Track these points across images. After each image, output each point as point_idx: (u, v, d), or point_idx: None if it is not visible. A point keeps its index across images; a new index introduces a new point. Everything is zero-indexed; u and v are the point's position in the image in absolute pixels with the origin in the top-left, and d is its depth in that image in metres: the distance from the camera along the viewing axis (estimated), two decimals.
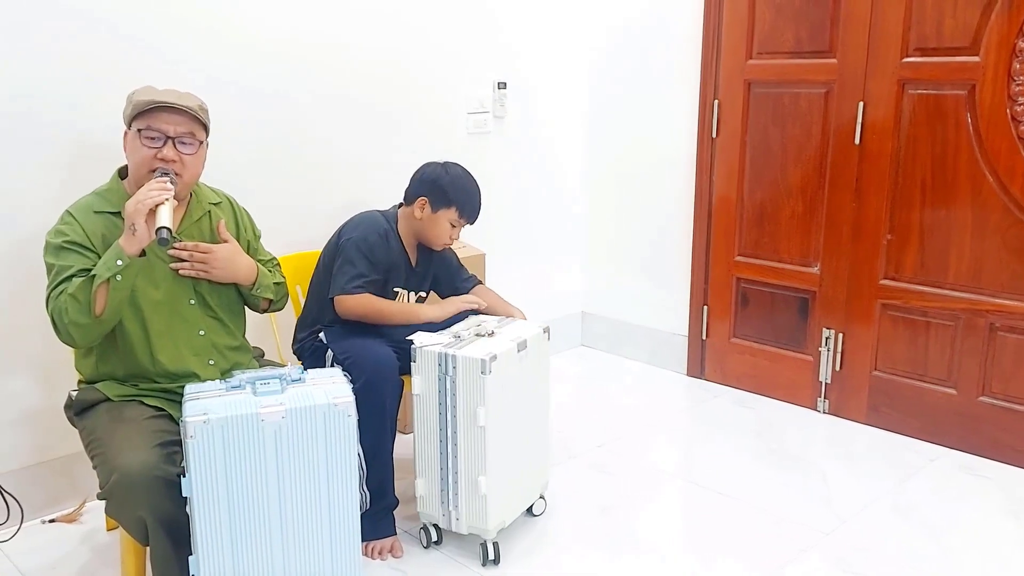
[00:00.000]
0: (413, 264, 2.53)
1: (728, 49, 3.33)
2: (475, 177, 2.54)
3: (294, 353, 2.54)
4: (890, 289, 3.06)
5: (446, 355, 2.22)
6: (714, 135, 3.43)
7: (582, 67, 3.84)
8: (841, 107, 3.08)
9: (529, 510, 2.53)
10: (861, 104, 3.02)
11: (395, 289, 2.49)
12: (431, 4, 3.23)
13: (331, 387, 1.96)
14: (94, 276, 1.90)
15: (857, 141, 3.05)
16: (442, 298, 2.64)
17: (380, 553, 2.34)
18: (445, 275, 2.64)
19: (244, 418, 1.83)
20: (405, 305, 2.48)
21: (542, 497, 2.57)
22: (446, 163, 2.52)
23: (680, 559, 2.36)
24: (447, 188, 2.43)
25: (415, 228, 2.49)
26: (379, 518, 2.33)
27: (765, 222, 3.35)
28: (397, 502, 2.39)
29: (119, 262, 1.89)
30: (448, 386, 2.23)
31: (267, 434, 1.84)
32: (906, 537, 2.45)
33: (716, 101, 3.39)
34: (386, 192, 3.17)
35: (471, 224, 2.52)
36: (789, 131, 3.23)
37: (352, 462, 1.94)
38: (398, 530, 2.40)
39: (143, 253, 1.93)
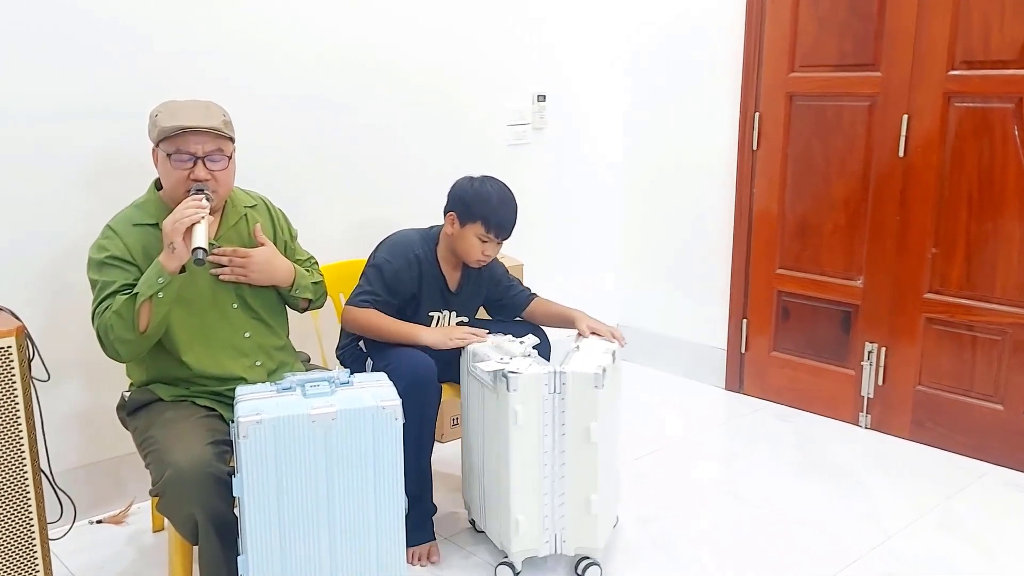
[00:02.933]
0: (452, 287, 2.49)
1: (770, 62, 3.33)
2: (511, 190, 2.48)
3: (337, 358, 2.56)
4: (935, 303, 3.03)
5: (555, 373, 2.15)
6: (755, 147, 3.42)
7: (621, 79, 3.86)
8: (885, 120, 3.06)
9: None
10: (906, 117, 3.00)
11: (430, 313, 2.47)
12: (473, 17, 3.27)
13: (378, 390, 1.98)
14: (137, 294, 1.94)
15: (901, 154, 3.03)
16: (493, 317, 2.64)
17: (420, 559, 2.35)
18: (495, 292, 2.62)
19: (295, 419, 1.85)
20: (407, 326, 2.36)
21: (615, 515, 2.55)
22: (478, 177, 2.48)
23: (721, 571, 2.34)
24: (471, 201, 2.39)
25: (451, 245, 2.46)
26: (418, 524, 2.34)
27: (807, 235, 3.33)
28: (435, 508, 2.40)
29: (160, 279, 1.94)
30: (556, 404, 2.17)
31: (317, 435, 1.87)
32: (954, 553, 2.41)
33: (757, 113, 3.39)
34: (425, 203, 3.20)
35: (502, 239, 2.44)
36: (832, 144, 3.21)
37: (398, 465, 1.95)
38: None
39: (183, 269, 1.97)
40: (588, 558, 2.27)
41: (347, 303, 2.39)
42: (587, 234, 3.90)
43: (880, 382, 3.20)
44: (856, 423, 3.28)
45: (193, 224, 1.92)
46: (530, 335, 2.37)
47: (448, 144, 3.28)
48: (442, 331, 2.37)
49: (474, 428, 2.33)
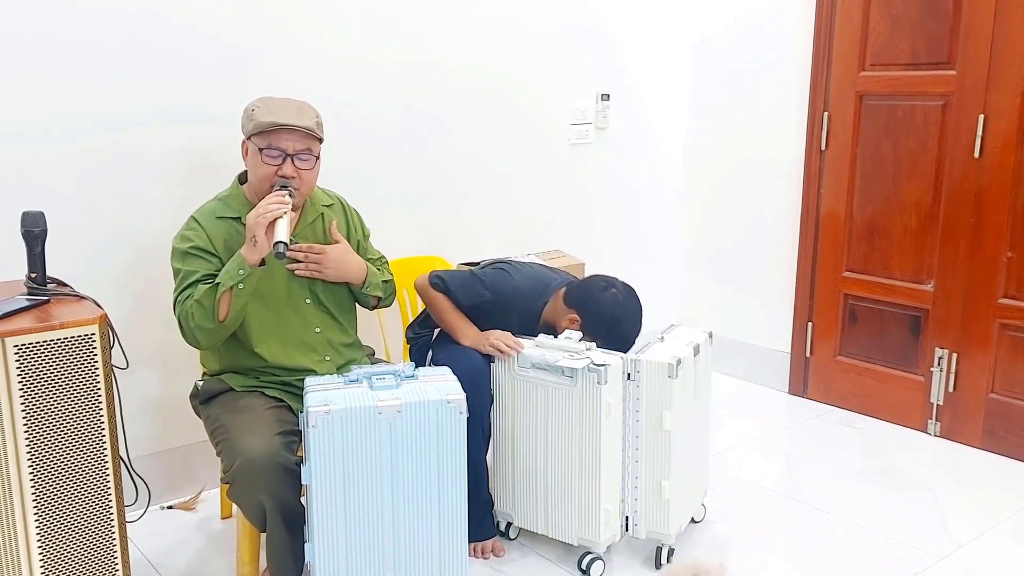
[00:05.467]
0: (535, 333, 2.40)
1: (839, 61, 3.27)
2: (641, 308, 2.35)
3: (406, 339, 2.59)
4: (1010, 308, 2.94)
5: (631, 360, 2.20)
6: (823, 147, 3.36)
7: (685, 77, 3.83)
8: (960, 120, 2.98)
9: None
10: (982, 117, 2.92)
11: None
12: (537, 17, 3.28)
13: (443, 384, 2.01)
14: (218, 284, 2.00)
15: (976, 154, 2.94)
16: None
17: (483, 553, 2.36)
18: None
19: (362, 410, 1.88)
20: (458, 320, 2.37)
21: (702, 504, 2.57)
22: (618, 292, 2.32)
23: None
24: (602, 324, 2.29)
25: (556, 322, 2.39)
26: (479, 519, 2.35)
27: (876, 237, 3.26)
28: (492, 501, 2.41)
29: (241, 271, 2.00)
30: (631, 392, 2.22)
31: (383, 426, 1.90)
32: None
33: (826, 113, 3.33)
34: (487, 200, 3.24)
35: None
36: (903, 144, 3.14)
37: (462, 458, 1.97)
38: None
39: (263, 262, 2.02)
40: (662, 544, 2.30)
41: (432, 275, 2.41)
42: (648, 234, 3.88)
43: (950, 389, 3.11)
44: (924, 430, 3.20)
45: (275, 219, 1.98)
46: (567, 329, 2.34)
47: (511, 143, 3.30)
48: (480, 335, 2.35)
49: (525, 430, 2.31)
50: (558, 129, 3.45)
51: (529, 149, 3.36)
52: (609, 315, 2.30)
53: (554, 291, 2.42)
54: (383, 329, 2.74)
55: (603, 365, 2.12)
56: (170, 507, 2.62)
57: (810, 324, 3.51)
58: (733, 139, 3.71)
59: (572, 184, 3.54)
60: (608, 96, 3.56)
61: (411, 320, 2.66)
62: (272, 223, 1.98)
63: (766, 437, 3.24)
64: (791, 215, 3.51)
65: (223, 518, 2.56)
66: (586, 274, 3.27)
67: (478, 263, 3.14)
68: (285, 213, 1.99)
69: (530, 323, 2.41)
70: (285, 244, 1.96)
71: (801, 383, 3.57)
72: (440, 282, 2.40)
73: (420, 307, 2.88)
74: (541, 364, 2.20)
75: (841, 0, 3.23)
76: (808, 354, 3.54)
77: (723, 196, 3.78)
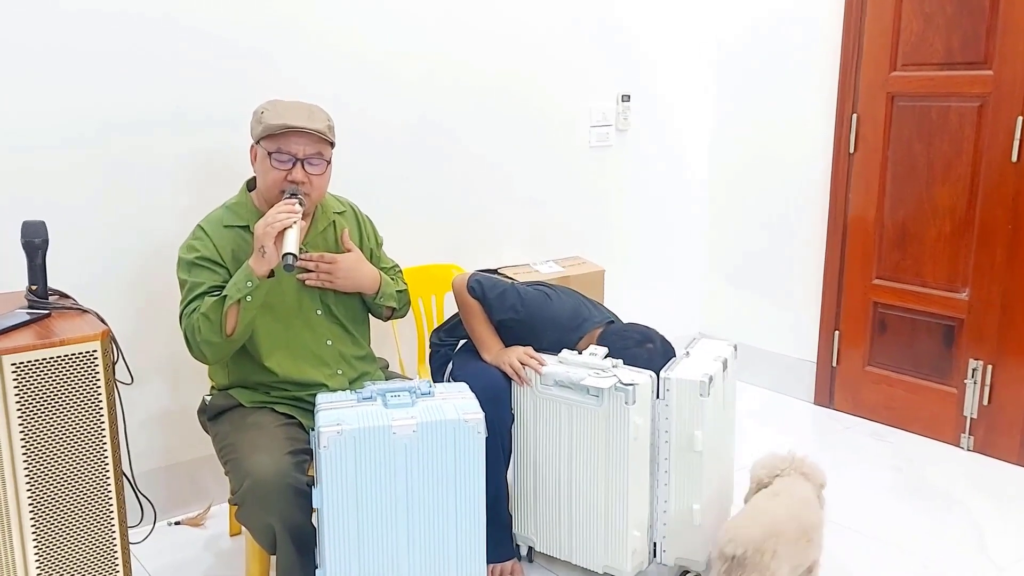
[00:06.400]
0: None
1: (869, 61, 3.16)
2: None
3: (429, 343, 2.49)
4: None
5: (661, 378, 2.09)
6: (851, 150, 3.25)
7: (708, 77, 3.72)
8: (997, 121, 2.86)
9: None
10: (1021, 119, 2.80)
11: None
12: (554, 15, 3.18)
13: (461, 402, 1.92)
14: (225, 297, 1.91)
15: (1015, 158, 2.83)
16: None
17: None
18: None
19: (376, 430, 1.80)
20: (486, 333, 2.27)
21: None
22: (650, 343, 2.22)
23: None
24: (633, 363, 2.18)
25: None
26: (497, 540, 2.25)
27: (907, 243, 3.14)
28: (511, 519, 2.32)
29: (249, 283, 1.91)
30: (660, 411, 2.11)
31: (398, 447, 1.81)
32: None
33: (855, 115, 3.22)
34: (505, 203, 3.15)
35: None
36: (937, 147, 3.02)
37: (480, 480, 1.88)
38: None
39: (272, 274, 1.93)
40: (689, 571, 2.19)
41: (472, 278, 2.28)
42: (670, 239, 3.77)
43: (985, 402, 3.00)
44: (957, 444, 3.09)
45: (285, 229, 1.89)
46: (591, 345, 2.23)
47: (528, 146, 3.20)
48: (502, 351, 2.25)
49: (547, 451, 2.21)
50: (577, 131, 3.35)
51: (547, 152, 3.26)
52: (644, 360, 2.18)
53: (590, 329, 2.30)
54: (397, 340, 2.65)
55: (631, 384, 2.02)
56: (178, 523, 2.54)
57: (837, 332, 3.39)
58: (757, 141, 3.60)
59: (592, 188, 3.44)
60: (629, 97, 3.46)
61: (438, 325, 2.54)
62: (281, 233, 1.89)
63: (793, 450, 3.12)
64: (817, 220, 3.40)
65: (232, 535, 2.48)
66: (605, 283, 3.19)
67: (495, 270, 3.05)
68: (295, 223, 1.90)
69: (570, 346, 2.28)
70: (295, 256, 1.87)
71: (827, 393, 3.46)
72: (478, 287, 2.28)
73: (445, 313, 2.80)
74: (565, 382, 2.10)
75: None
76: (835, 363, 3.42)
77: (747, 200, 3.67)
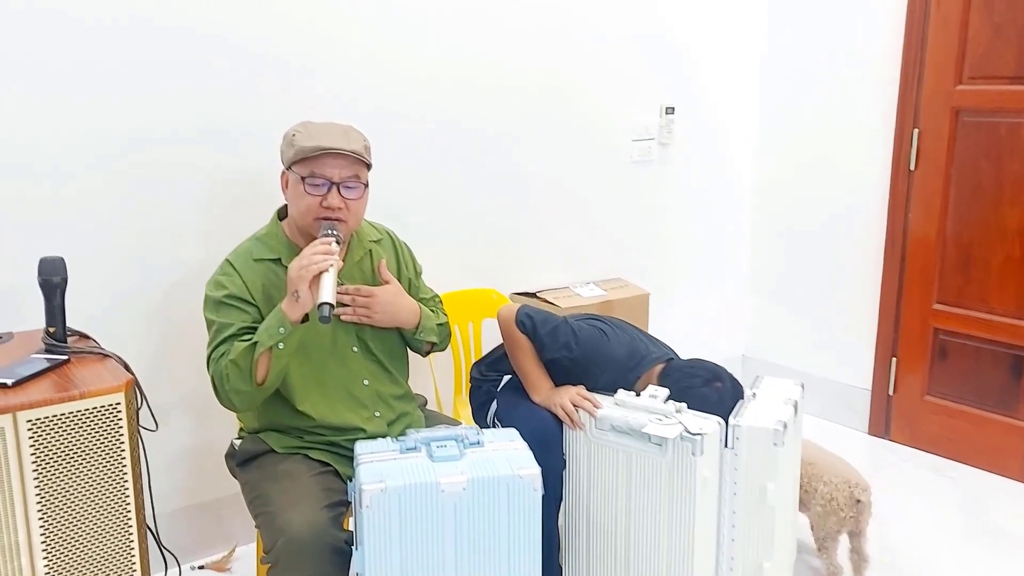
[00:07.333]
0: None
1: (932, 74, 2.97)
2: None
3: (470, 378, 2.32)
4: None
5: (730, 426, 1.91)
6: (912, 168, 3.07)
7: (755, 89, 3.55)
8: None
9: None
10: None
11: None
12: (596, 26, 3.01)
13: (513, 454, 1.76)
14: (256, 343, 1.76)
15: None
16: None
17: None
18: None
19: (423, 487, 1.64)
20: (536, 373, 2.09)
21: None
22: (718, 382, 2.05)
23: None
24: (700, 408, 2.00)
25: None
26: None
27: (972, 267, 2.96)
28: (561, 572, 2.15)
29: (281, 329, 1.74)
30: (729, 461, 1.93)
31: (447, 505, 1.65)
32: None
33: (916, 130, 3.04)
34: (545, 221, 2.99)
35: None
36: (1006, 165, 2.84)
37: (536, 539, 1.72)
38: None
39: (306, 318, 1.77)
40: None
41: (522, 311, 2.09)
42: (715, 259, 3.60)
43: None
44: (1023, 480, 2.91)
45: (321, 272, 1.73)
46: (650, 385, 2.06)
47: (567, 162, 3.03)
48: (552, 392, 2.07)
49: (602, 501, 2.03)
50: (618, 146, 3.19)
51: (586, 168, 3.09)
52: (715, 401, 1.99)
53: (648, 367, 2.10)
54: (434, 374, 2.49)
55: (699, 434, 1.84)
56: (201, 567, 2.39)
57: (894, 360, 3.21)
58: (807, 157, 3.42)
59: (633, 206, 3.27)
60: (673, 109, 3.29)
61: (479, 357, 2.37)
62: (317, 277, 1.73)
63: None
64: (874, 241, 3.22)
65: None
66: (649, 304, 3.02)
67: (534, 294, 2.89)
68: (332, 266, 1.73)
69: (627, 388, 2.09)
70: (331, 305, 1.69)
71: (883, 424, 3.28)
72: (528, 322, 2.08)
73: (483, 340, 2.63)
74: (623, 428, 1.93)
75: (936, 6, 2.93)
76: (891, 392, 3.24)
77: (797, 219, 3.49)
